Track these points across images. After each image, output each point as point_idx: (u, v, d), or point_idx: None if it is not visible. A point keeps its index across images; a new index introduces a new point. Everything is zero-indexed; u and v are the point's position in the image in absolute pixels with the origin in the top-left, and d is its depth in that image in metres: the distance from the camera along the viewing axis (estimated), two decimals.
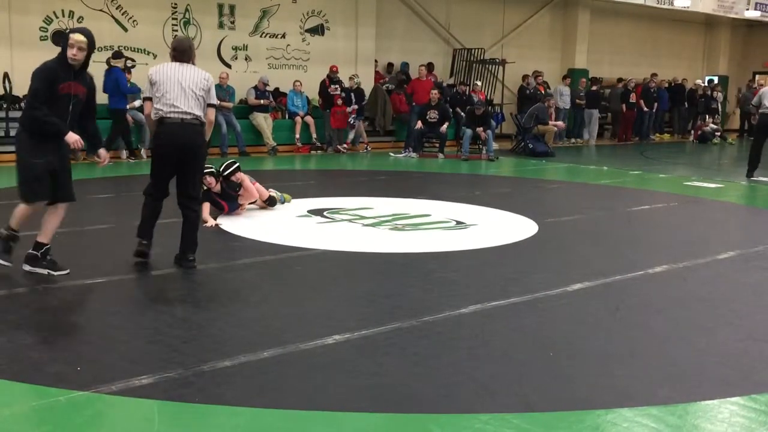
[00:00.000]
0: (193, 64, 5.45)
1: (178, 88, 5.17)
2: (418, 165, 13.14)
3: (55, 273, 5.05)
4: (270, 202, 7.81)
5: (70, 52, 4.86)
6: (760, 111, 11.55)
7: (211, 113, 5.38)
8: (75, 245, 6.16)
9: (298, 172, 11.83)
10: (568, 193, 10.35)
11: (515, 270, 5.66)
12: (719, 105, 21.31)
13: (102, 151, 5.32)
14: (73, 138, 4.91)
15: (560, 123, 17.00)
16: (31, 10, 12.51)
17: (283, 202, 8.06)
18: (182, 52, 5.35)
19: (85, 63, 5.00)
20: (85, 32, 4.98)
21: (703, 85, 21.61)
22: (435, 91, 14.46)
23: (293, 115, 14.39)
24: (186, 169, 5.31)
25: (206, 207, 7.06)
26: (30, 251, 5.11)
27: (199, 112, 5.24)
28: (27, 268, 5.08)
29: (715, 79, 22.76)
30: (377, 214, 7.82)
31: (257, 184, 7.67)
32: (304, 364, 3.63)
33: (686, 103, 20.86)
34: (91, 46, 4.97)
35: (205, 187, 6.97)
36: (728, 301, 4.96)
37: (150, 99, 5.30)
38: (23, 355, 3.67)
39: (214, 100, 5.41)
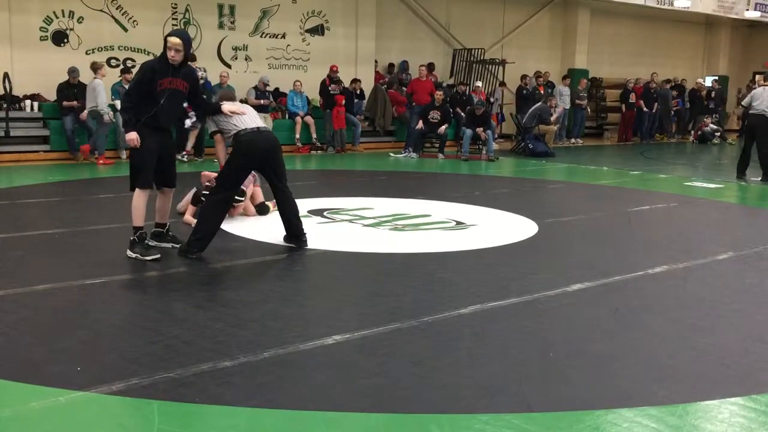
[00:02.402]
0: None
1: (247, 115, 6.00)
2: (418, 165, 13.14)
3: (177, 245, 5.83)
4: (260, 210, 7.60)
5: (169, 54, 5.49)
6: (750, 112, 11.57)
7: None
8: (75, 245, 6.16)
9: (298, 173, 11.82)
10: (568, 193, 10.35)
11: (515, 270, 5.66)
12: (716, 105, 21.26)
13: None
14: (130, 136, 5.54)
15: (559, 108, 16.65)
16: (31, 10, 12.52)
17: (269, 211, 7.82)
18: (232, 98, 6.46)
19: (185, 60, 5.62)
20: (181, 35, 5.62)
21: (703, 84, 21.55)
22: (440, 92, 14.49)
23: (293, 116, 14.40)
24: (271, 164, 6.06)
25: (191, 210, 7.03)
26: (154, 229, 5.93)
27: (269, 128, 6.37)
28: (153, 242, 5.85)
29: (713, 80, 22.73)
30: (377, 214, 7.82)
31: (257, 186, 7.59)
32: (304, 364, 3.63)
33: (688, 104, 20.84)
34: (187, 46, 5.56)
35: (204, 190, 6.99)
36: (728, 301, 4.96)
37: (217, 132, 6.03)
38: (23, 355, 3.68)
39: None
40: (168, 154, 5.79)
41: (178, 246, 5.82)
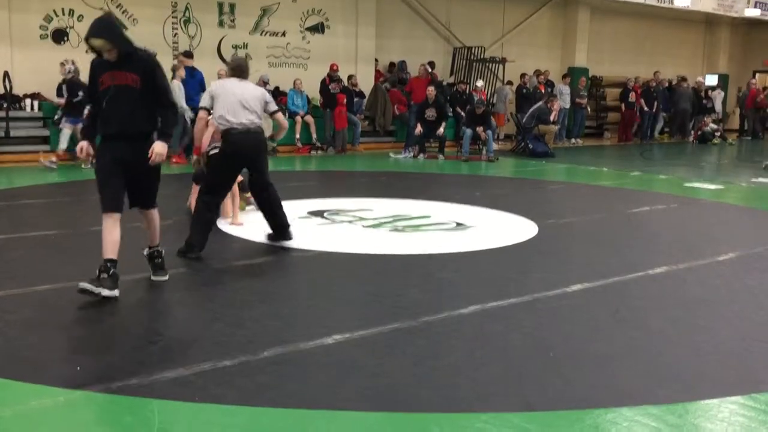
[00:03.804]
0: (246, 79, 6.05)
1: (239, 106, 5.77)
2: (418, 166, 13.14)
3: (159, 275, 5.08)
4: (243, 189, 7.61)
5: (104, 57, 4.60)
6: None
7: (280, 117, 6.23)
8: (75, 246, 6.17)
9: (298, 173, 11.82)
10: (568, 194, 10.35)
11: (515, 270, 5.66)
12: (714, 105, 21.25)
13: (156, 144, 4.65)
14: (78, 146, 4.79)
15: (556, 105, 16.52)
16: (31, 9, 12.51)
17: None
18: (242, 71, 6.00)
19: (123, 50, 4.57)
20: (100, 33, 4.53)
21: (703, 82, 21.53)
22: (431, 88, 14.43)
23: (293, 115, 14.38)
24: (256, 165, 5.98)
25: (195, 190, 6.91)
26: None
27: (258, 121, 5.92)
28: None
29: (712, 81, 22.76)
30: (377, 215, 7.82)
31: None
32: (304, 364, 3.63)
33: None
34: (113, 39, 4.53)
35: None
36: (728, 301, 4.96)
37: (206, 109, 5.88)
38: (23, 355, 3.68)
39: (275, 107, 6.17)
40: (138, 166, 4.67)
41: (159, 275, 5.07)
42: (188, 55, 13.04)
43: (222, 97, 5.81)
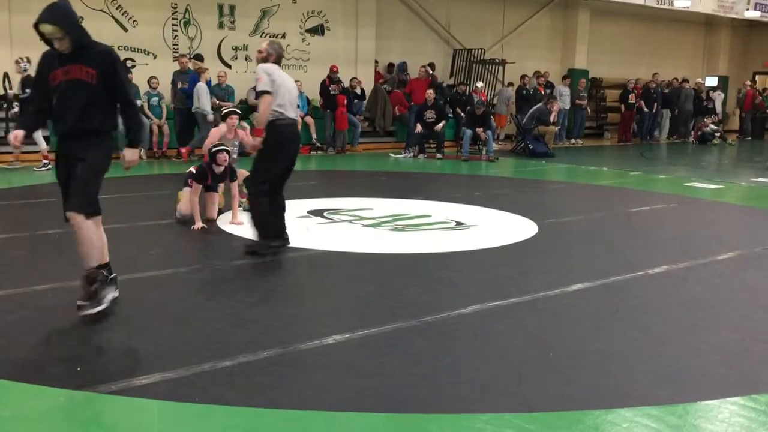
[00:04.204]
0: None
1: (288, 96, 5.80)
2: (418, 166, 13.14)
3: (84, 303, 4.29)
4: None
5: (55, 46, 4.17)
6: None
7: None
8: (75, 245, 6.15)
9: (298, 173, 11.80)
10: (568, 193, 10.35)
11: (515, 270, 5.65)
12: (715, 105, 21.24)
13: (126, 152, 4.40)
14: (11, 135, 4.38)
15: (555, 106, 16.49)
16: (31, 10, 12.34)
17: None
18: (281, 59, 5.97)
19: (76, 39, 4.15)
20: (51, 19, 4.07)
21: (703, 83, 21.53)
22: (430, 91, 14.47)
23: None
24: (294, 159, 6.04)
25: (196, 189, 6.94)
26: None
27: (298, 117, 6.08)
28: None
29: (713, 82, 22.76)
30: (377, 214, 7.82)
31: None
32: (304, 364, 3.63)
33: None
34: (65, 25, 4.10)
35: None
36: (728, 301, 4.96)
37: (270, 93, 5.65)
38: (23, 355, 3.67)
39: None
40: (77, 166, 4.25)
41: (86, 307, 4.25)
42: (200, 58, 13.15)
43: (279, 87, 5.71)
